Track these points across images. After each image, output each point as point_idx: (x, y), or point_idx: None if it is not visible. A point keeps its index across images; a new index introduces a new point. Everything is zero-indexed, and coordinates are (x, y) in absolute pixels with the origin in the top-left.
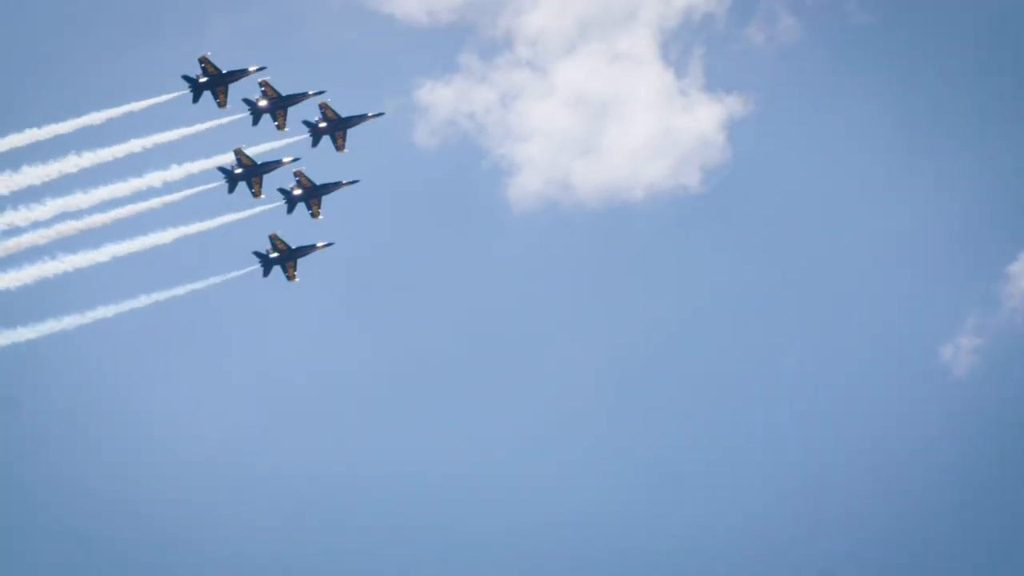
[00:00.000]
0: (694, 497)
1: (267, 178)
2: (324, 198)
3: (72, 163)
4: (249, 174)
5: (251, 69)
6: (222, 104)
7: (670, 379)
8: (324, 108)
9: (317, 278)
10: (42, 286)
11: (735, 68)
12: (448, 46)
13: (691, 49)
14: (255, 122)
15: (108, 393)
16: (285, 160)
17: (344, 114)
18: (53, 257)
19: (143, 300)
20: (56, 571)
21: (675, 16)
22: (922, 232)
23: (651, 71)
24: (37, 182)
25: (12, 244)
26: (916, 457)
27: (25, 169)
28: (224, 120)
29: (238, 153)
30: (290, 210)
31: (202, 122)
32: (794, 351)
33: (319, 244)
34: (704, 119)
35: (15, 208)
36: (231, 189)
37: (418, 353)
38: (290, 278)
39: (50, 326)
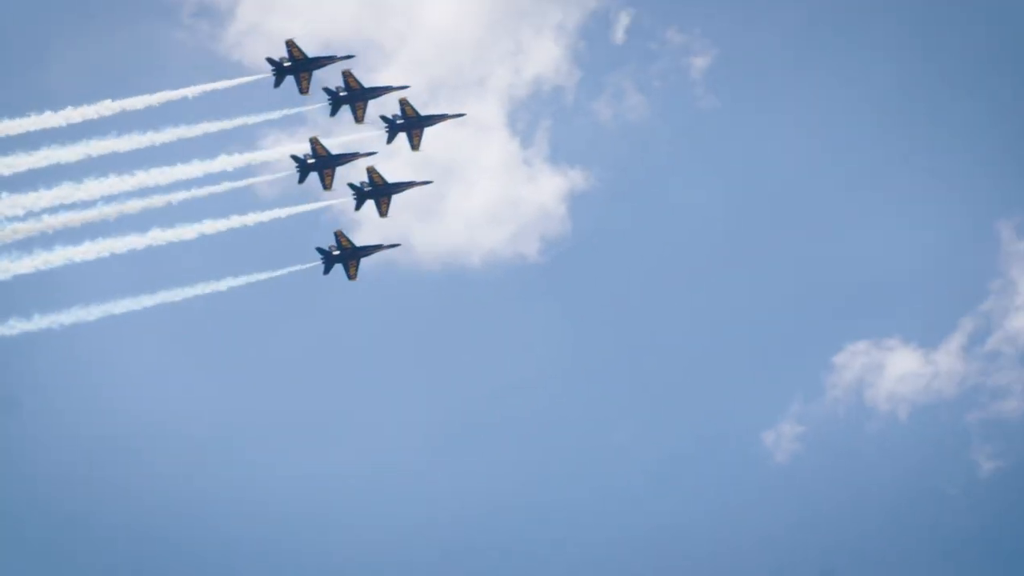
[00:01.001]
0: (501, 565)
1: (339, 172)
2: (394, 197)
3: (148, 139)
4: (322, 165)
5: (338, 56)
6: (304, 90)
7: (496, 445)
8: (404, 104)
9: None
10: (102, 264)
11: (580, 142)
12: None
13: (538, 120)
14: (333, 112)
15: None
16: (361, 153)
17: (424, 112)
18: (122, 235)
19: (200, 288)
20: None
21: (525, 86)
22: (752, 318)
23: (497, 139)
24: (108, 154)
25: (78, 217)
26: (731, 537)
27: (95, 142)
28: (303, 108)
29: (314, 142)
30: (358, 207)
31: (281, 108)
32: (624, 426)
33: (385, 244)
34: (547, 190)
35: (82, 181)
36: (302, 179)
37: (247, 405)
38: (351, 277)
39: (107, 308)
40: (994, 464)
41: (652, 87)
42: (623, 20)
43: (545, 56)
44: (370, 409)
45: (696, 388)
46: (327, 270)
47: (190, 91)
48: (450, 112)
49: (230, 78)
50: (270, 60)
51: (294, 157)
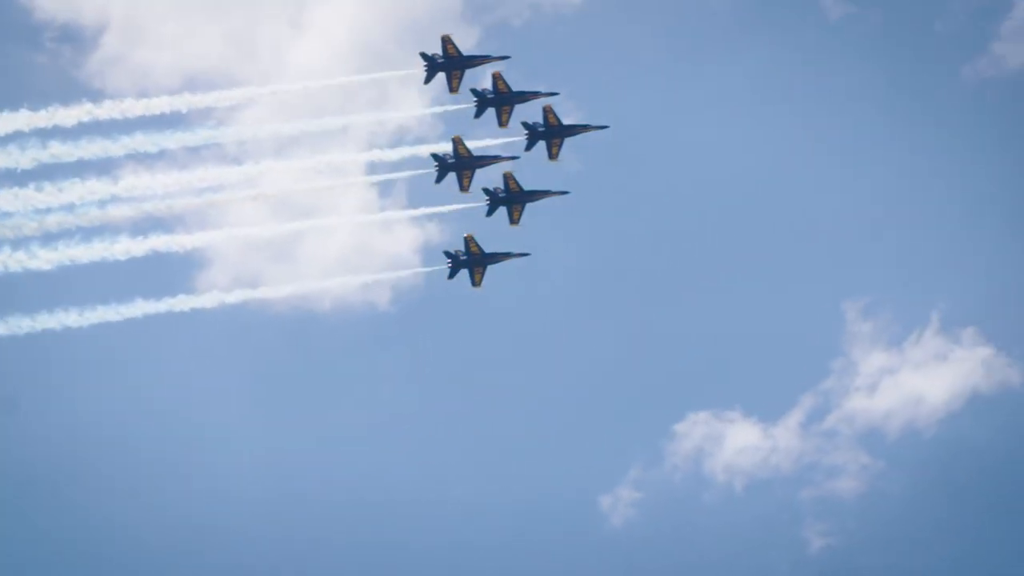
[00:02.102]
0: None
1: (476, 175)
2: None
3: (289, 128)
4: (462, 165)
5: (493, 56)
6: (454, 89)
7: (329, 493)
8: (547, 112)
9: None
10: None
11: (439, 195)
12: (155, 133)
13: (398, 170)
14: (478, 114)
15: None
16: (503, 157)
17: (566, 121)
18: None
19: (323, 283)
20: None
21: (387, 136)
22: (597, 382)
23: (356, 186)
24: (246, 141)
25: (208, 200)
26: None
27: (233, 130)
28: (449, 107)
29: (456, 142)
30: (490, 212)
31: (427, 106)
32: (464, 482)
33: (514, 252)
34: (402, 240)
35: (226, 165)
36: (439, 179)
37: (83, 441)
38: (476, 284)
39: (237, 295)
40: (824, 542)
41: (513, 146)
42: (490, 76)
43: (409, 107)
44: (204, 448)
45: (538, 447)
46: (452, 274)
47: (334, 81)
48: (593, 123)
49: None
50: (423, 55)
51: (434, 155)
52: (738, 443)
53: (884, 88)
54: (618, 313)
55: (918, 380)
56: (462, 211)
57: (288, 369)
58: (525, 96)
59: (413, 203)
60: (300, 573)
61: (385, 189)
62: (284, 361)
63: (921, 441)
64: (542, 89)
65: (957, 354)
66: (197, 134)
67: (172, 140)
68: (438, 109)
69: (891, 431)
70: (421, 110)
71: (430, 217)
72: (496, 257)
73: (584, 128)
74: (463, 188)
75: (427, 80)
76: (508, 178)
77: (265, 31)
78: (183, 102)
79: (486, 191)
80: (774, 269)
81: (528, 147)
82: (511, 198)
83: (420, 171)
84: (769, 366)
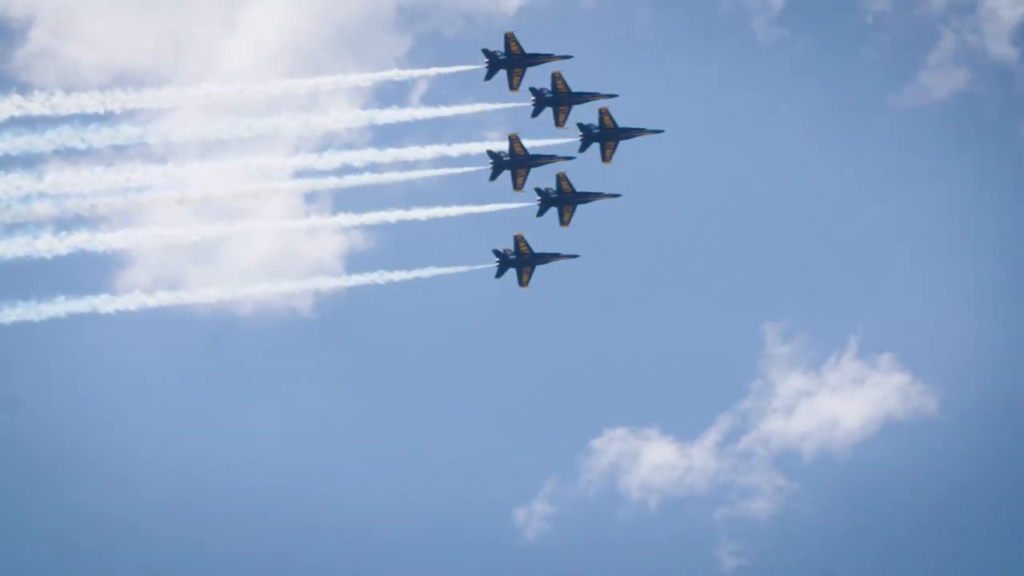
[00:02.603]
0: None
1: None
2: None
3: (349, 118)
4: (517, 164)
5: (556, 55)
6: (514, 87)
7: (244, 498)
8: (603, 114)
9: None
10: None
11: (365, 202)
12: (82, 129)
13: (325, 177)
14: (535, 113)
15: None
16: (559, 157)
17: (621, 124)
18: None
19: (360, 278)
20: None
21: (315, 141)
22: (518, 395)
23: (282, 191)
24: (303, 131)
25: (135, 200)
26: None
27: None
28: (505, 104)
29: (513, 140)
30: (541, 212)
31: (486, 102)
32: (378, 489)
33: (563, 254)
34: (326, 247)
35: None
36: (493, 176)
37: None
38: (523, 284)
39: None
40: (737, 562)
41: (445, 158)
42: (420, 87)
43: (338, 114)
44: (116, 448)
45: (454, 458)
46: (500, 273)
47: (396, 74)
48: (648, 127)
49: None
50: (486, 51)
51: (490, 153)
52: (654, 461)
53: (810, 112)
54: (540, 328)
55: (834, 404)
56: (509, 211)
57: (206, 371)
58: (583, 97)
59: (340, 208)
60: (213, 572)
61: (311, 194)
62: (202, 363)
63: (835, 464)
64: (601, 91)
65: (874, 379)
66: (125, 132)
67: (100, 137)
68: (497, 106)
69: (806, 453)
70: (477, 107)
71: (354, 224)
72: (545, 258)
73: (640, 132)
74: (517, 187)
75: (488, 77)
76: (561, 179)
77: (198, 31)
78: (113, 99)
79: (538, 191)
80: (697, 289)
81: (582, 148)
82: (563, 199)
83: (478, 168)
84: (688, 385)
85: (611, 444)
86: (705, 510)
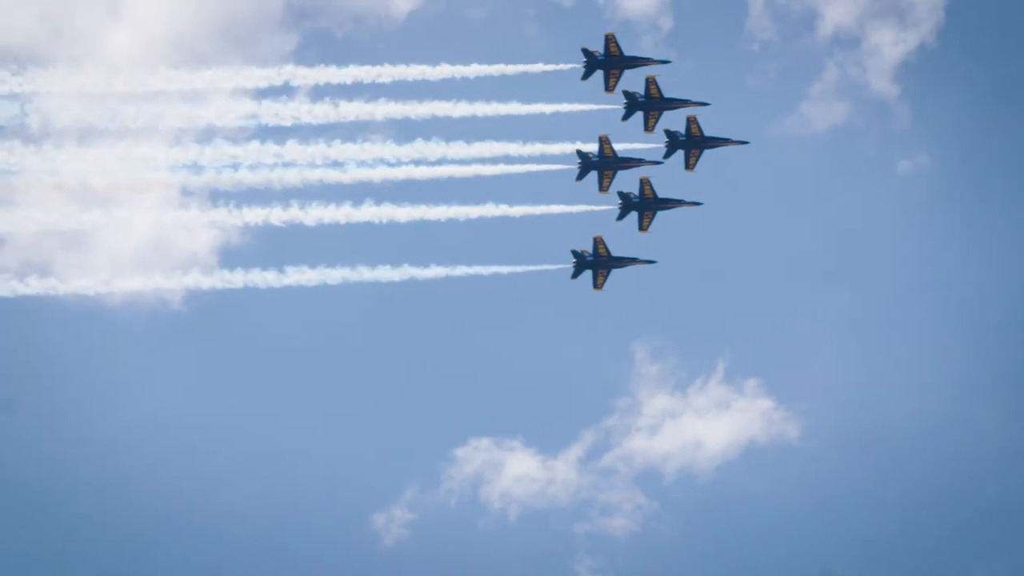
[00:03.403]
0: None
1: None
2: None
3: (443, 109)
4: (605, 165)
5: (654, 59)
6: (610, 89)
7: (99, 494)
8: (691, 122)
9: None
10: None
11: (246, 195)
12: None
13: (203, 171)
14: (626, 117)
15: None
16: (646, 161)
17: (708, 133)
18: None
19: (426, 272)
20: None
21: (195, 134)
22: (385, 399)
23: (159, 183)
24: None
25: (380, 174)
26: None
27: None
28: (595, 106)
29: (603, 141)
30: (621, 216)
31: (578, 102)
32: (235, 487)
33: (640, 259)
34: (201, 240)
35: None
36: (580, 176)
37: None
38: (598, 287)
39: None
40: None
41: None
42: (305, 87)
43: (221, 108)
44: None
45: (319, 458)
46: (576, 274)
47: (497, 69)
48: (733, 138)
49: None
50: (585, 51)
51: (579, 153)
52: (516, 472)
53: None
54: (412, 334)
55: (699, 426)
56: (589, 213)
57: (74, 359)
58: (675, 103)
59: (214, 205)
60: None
61: (188, 187)
62: (68, 351)
63: (696, 486)
64: (692, 99)
65: (739, 404)
66: (2, 110)
67: None
68: (589, 107)
69: (668, 473)
70: (568, 107)
71: (230, 219)
72: (623, 261)
73: (725, 141)
74: (603, 188)
75: (585, 76)
76: (644, 183)
77: (81, 15)
78: None
79: (620, 194)
80: (569, 304)
81: (667, 155)
82: (644, 204)
83: (564, 167)
84: (556, 399)
85: (475, 453)
86: (565, 524)
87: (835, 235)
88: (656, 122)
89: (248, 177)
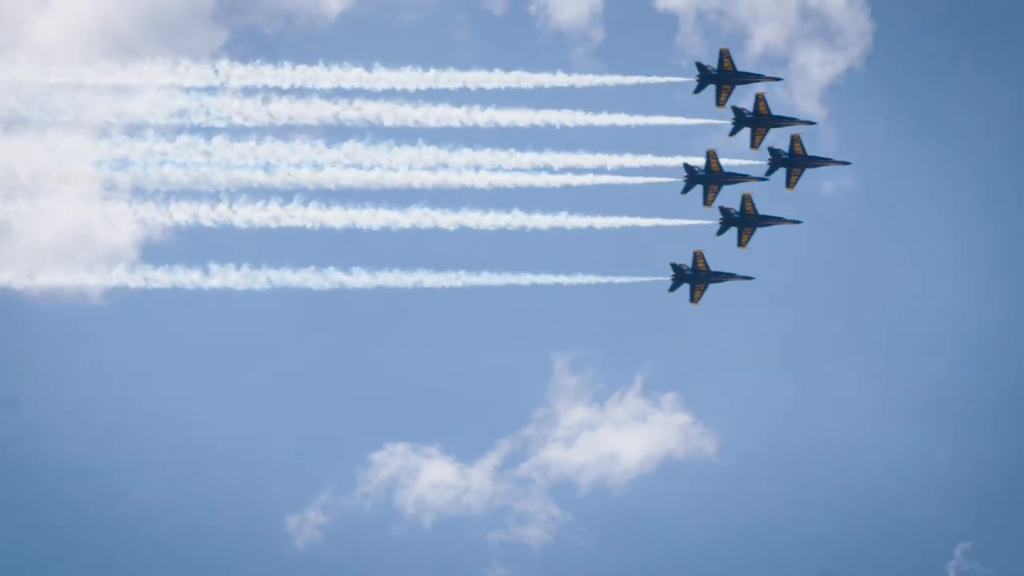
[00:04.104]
0: None
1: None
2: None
3: (554, 117)
4: (711, 179)
5: (766, 76)
6: (721, 104)
7: (26, 484)
8: (795, 140)
9: None
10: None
11: (165, 192)
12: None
13: (128, 164)
14: (733, 132)
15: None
16: (751, 177)
17: (811, 152)
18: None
19: (529, 278)
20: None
21: (122, 127)
22: (300, 402)
23: (81, 173)
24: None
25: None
26: None
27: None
28: (701, 120)
29: (710, 155)
30: (721, 231)
31: (686, 116)
32: (148, 484)
33: (738, 274)
34: (124, 233)
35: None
36: (686, 189)
37: None
38: (694, 300)
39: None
40: None
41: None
42: (235, 82)
43: (148, 101)
44: None
45: (235, 457)
46: (674, 287)
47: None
48: (835, 158)
49: None
50: (699, 65)
51: (686, 166)
52: (432, 479)
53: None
54: (333, 338)
55: (615, 438)
56: (688, 227)
57: None
58: (782, 121)
59: (135, 199)
60: None
61: (111, 179)
62: None
63: (611, 498)
64: (799, 116)
65: (656, 417)
66: None
67: None
68: (694, 121)
69: (583, 485)
70: (674, 121)
71: (154, 213)
72: (720, 276)
73: (827, 161)
74: (707, 203)
75: (697, 90)
76: (746, 199)
77: (9, 2)
78: None
79: (722, 210)
80: (491, 312)
81: (768, 172)
82: (745, 220)
83: (667, 179)
84: (474, 407)
85: (391, 458)
86: (479, 532)
87: (758, 254)
88: (762, 139)
89: (175, 174)
